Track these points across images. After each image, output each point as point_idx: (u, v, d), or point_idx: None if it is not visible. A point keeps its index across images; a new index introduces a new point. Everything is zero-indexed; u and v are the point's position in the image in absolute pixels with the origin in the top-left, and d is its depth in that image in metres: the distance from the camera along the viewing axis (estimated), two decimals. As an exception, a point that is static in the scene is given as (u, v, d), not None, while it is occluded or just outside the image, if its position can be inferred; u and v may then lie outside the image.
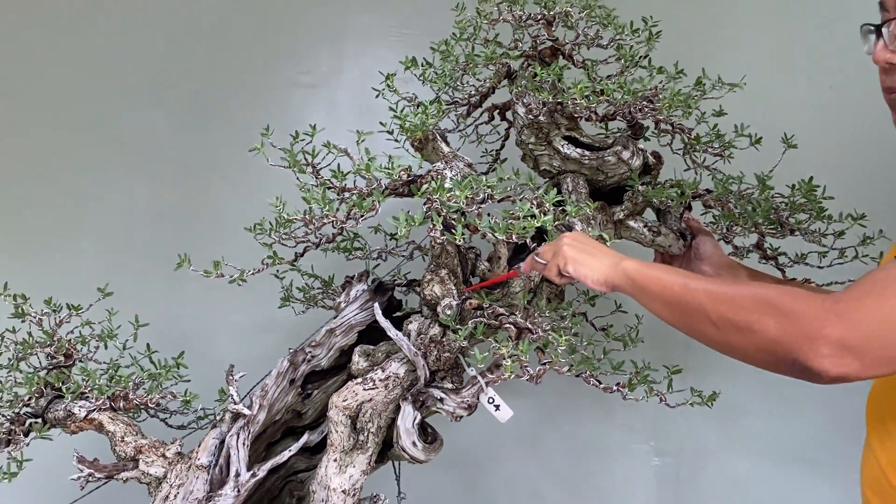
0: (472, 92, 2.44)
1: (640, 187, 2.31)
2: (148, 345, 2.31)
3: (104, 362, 2.31)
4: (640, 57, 2.31)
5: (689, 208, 2.43)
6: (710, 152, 2.39)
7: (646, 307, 1.83)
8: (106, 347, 2.33)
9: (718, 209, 2.43)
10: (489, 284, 2.15)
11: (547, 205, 2.00)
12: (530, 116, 2.27)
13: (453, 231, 1.99)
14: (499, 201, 2.04)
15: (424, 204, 2.06)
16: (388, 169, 2.11)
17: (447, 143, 2.28)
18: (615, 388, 2.17)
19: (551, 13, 2.30)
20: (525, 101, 2.27)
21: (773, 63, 2.92)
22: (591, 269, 1.89)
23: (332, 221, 2.10)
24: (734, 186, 2.39)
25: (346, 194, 2.15)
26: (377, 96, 2.34)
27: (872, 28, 1.79)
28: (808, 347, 1.51)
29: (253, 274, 2.21)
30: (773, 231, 2.39)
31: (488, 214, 2.02)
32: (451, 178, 2.10)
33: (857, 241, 2.29)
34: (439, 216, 2.00)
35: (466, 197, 1.98)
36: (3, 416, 2.27)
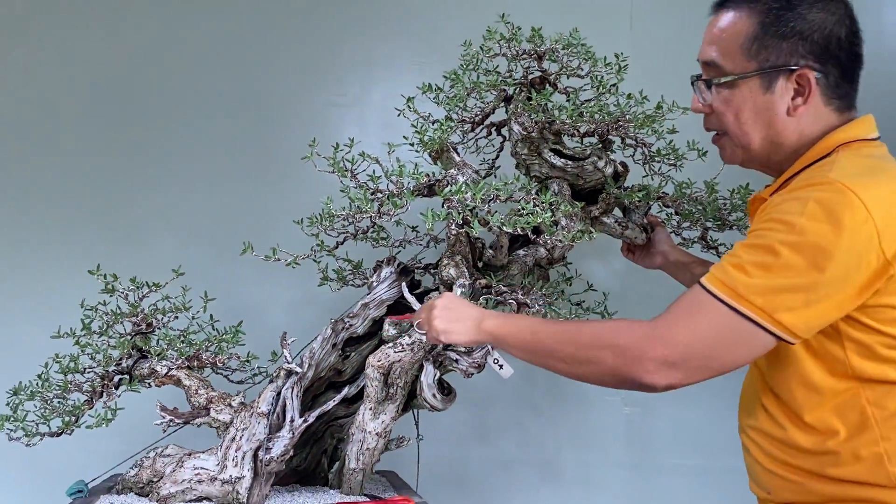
0: (477, 112, 2.74)
1: (613, 191, 2.64)
2: (211, 315, 2.66)
3: (178, 330, 2.65)
4: (612, 85, 2.62)
5: (650, 207, 2.78)
6: (666, 163, 2.73)
7: (508, 353, 2.04)
8: (177, 318, 2.67)
9: (673, 209, 2.77)
10: (404, 318, 2.47)
11: (544, 204, 2.42)
12: (524, 132, 2.58)
13: (470, 225, 2.39)
14: (503, 201, 2.45)
15: (443, 203, 2.46)
16: (416, 175, 2.53)
17: (458, 154, 2.62)
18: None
19: (542, 49, 2.65)
20: (520, 120, 2.59)
21: None
22: (460, 335, 2.09)
23: (371, 216, 2.52)
24: (686, 191, 2.73)
25: (379, 195, 2.57)
26: (398, 115, 2.67)
27: (692, 81, 2.00)
28: (639, 369, 1.72)
29: (304, 258, 2.63)
30: (717, 226, 2.74)
31: (496, 212, 2.42)
32: (463, 183, 2.44)
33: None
34: (458, 213, 2.41)
35: (480, 198, 2.39)
36: (96, 373, 2.63)
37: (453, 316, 2.12)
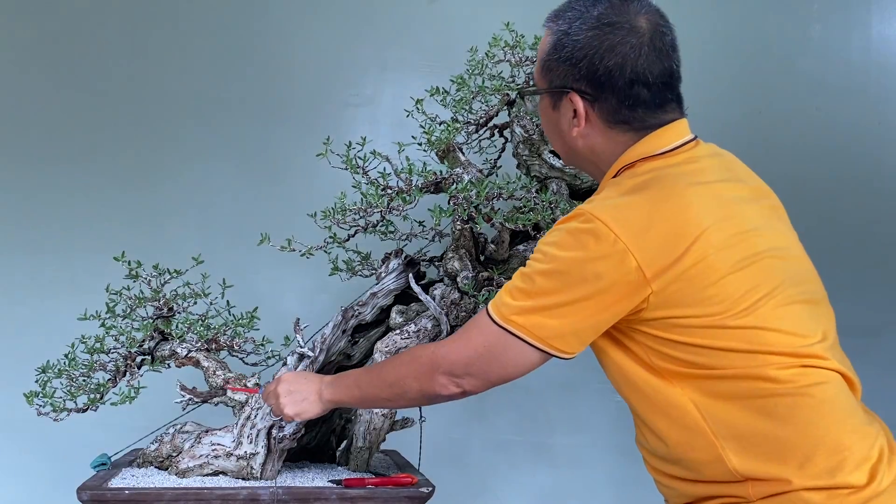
0: (482, 115, 2.77)
1: None
2: (228, 301, 2.72)
3: (197, 314, 2.71)
4: None
5: None
6: None
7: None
8: (195, 303, 2.73)
9: None
10: (246, 391, 2.56)
11: (544, 202, 2.48)
12: (525, 135, 2.64)
13: (475, 221, 2.46)
14: (506, 199, 2.50)
15: (450, 200, 2.50)
16: (425, 173, 2.59)
17: (463, 153, 2.68)
18: (590, 340, 2.66)
19: None
20: (522, 123, 2.64)
21: (706, 93, 3.17)
22: (311, 412, 2.25)
23: (381, 211, 2.59)
24: None
25: (389, 191, 2.62)
26: (407, 116, 2.72)
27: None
28: (434, 385, 1.92)
29: (318, 250, 2.69)
30: None
31: (500, 209, 2.48)
32: (469, 181, 2.51)
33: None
34: (464, 210, 2.48)
35: (484, 196, 2.44)
36: (119, 353, 2.68)
37: (298, 397, 2.25)
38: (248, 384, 2.61)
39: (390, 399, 2.09)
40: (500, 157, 2.93)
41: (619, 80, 1.82)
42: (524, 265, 1.87)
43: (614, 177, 1.87)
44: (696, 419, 1.75)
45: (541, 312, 1.76)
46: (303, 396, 2.24)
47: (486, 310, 1.85)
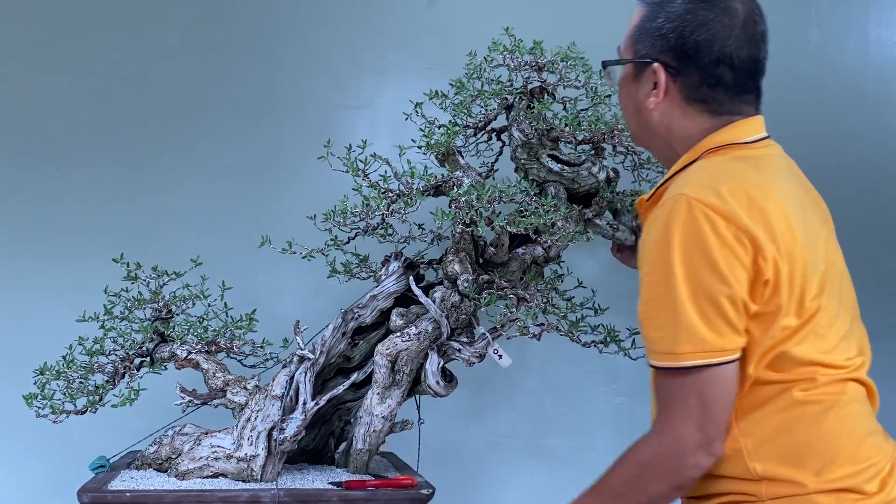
0: (480, 118, 2.78)
1: (607, 195, 2.68)
2: (226, 303, 2.72)
3: (196, 316, 2.70)
4: (606, 96, 2.67)
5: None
6: (654, 170, 2.79)
7: None
8: (193, 305, 2.72)
9: None
10: None
11: (545, 206, 2.49)
12: (524, 139, 2.62)
13: (476, 224, 2.46)
14: (506, 203, 2.49)
15: (450, 204, 2.51)
16: (426, 176, 2.59)
17: (462, 157, 2.68)
18: (591, 344, 2.68)
19: (542, 61, 2.67)
20: (521, 127, 2.63)
21: None
22: None
23: (382, 214, 2.59)
24: None
25: (390, 194, 2.62)
26: (406, 119, 2.74)
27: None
28: (691, 467, 1.70)
29: (319, 252, 2.68)
30: None
31: (500, 213, 2.47)
32: (470, 185, 2.50)
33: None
34: (466, 214, 2.46)
35: (486, 199, 2.43)
36: (117, 355, 2.67)
37: None
38: (248, 386, 2.60)
39: None
40: (497, 160, 2.93)
41: (705, 56, 1.83)
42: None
43: (696, 160, 1.86)
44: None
45: (708, 320, 1.68)
46: None
47: (657, 366, 1.75)
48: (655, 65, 1.87)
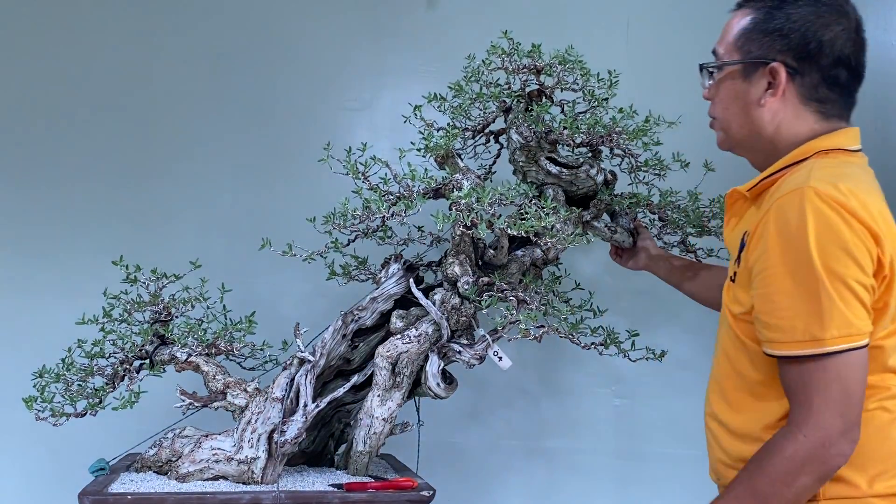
0: (479, 121, 2.80)
1: (605, 197, 2.71)
2: (224, 305, 2.71)
3: (196, 319, 2.68)
4: (603, 99, 2.70)
5: (636, 213, 2.87)
6: (651, 172, 2.81)
7: None
8: (192, 308, 2.71)
9: (658, 215, 2.87)
10: None
11: (545, 209, 2.49)
12: (522, 141, 2.64)
13: (477, 227, 2.45)
14: (506, 205, 2.48)
15: (451, 206, 2.50)
16: (426, 179, 2.59)
17: (461, 159, 2.68)
18: (591, 346, 2.68)
19: (540, 64, 2.68)
20: (519, 129, 2.64)
21: (702, 104, 3.21)
22: None
23: (383, 217, 2.58)
24: (671, 199, 2.83)
25: (390, 196, 2.62)
26: (405, 121, 2.75)
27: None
28: (836, 457, 1.72)
29: (319, 254, 2.68)
30: (696, 232, 2.84)
31: (501, 215, 2.47)
32: (470, 187, 2.48)
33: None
34: (466, 216, 2.45)
35: (487, 202, 2.42)
36: (116, 358, 2.65)
37: None
38: (248, 388, 2.59)
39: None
40: (495, 162, 2.94)
41: (827, 56, 1.90)
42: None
43: (807, 159, 1.90)
44: None
45: (836, 306, 1.74)
46: None
47: (789, 356, 1.77)
48: (775, 64, 1.93)
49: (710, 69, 2.04)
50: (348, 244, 2.70)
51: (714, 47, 2.06)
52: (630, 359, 2.72)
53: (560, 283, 2.90)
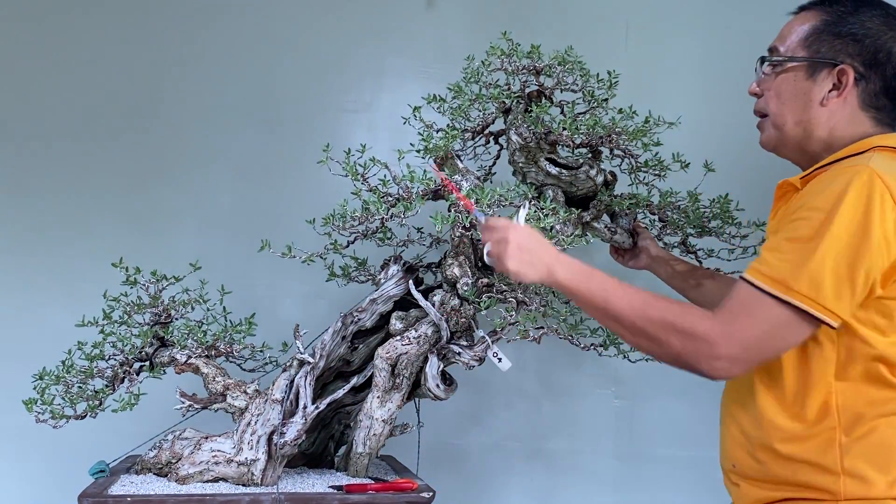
0: (479, 122, 2.78)
1: (605, 198, 2.70)
2: (224, 307, 2.70)
3: (195, 320, 2.68)
4: (603, 100, 2.70)
5: (636, 214, 2.85)
6: (651, 173, 2.80)
7: (572, 301, 2.06)
8: (192, 310, 2.70)
9: (658, 216, 2.85)
10: (466, 204, 2.39)
11: (546, 210, 2.48)
12: (522, 142, 2.63)
13: (476, 227, 2.44)
14: (505, 207, 2.49)
15: (450, 208, 2.50)
16: (425, 180, 2.58)
17: (461, 161, 2.68)
18: (591, 347, 2.68)
19: (540, 65, 2.68)
20: (519, 130, 2.63)
21: (707, 103, 3.25)
22: (526, 276, 2.03)
23: (382, 218, 2.58)
24: (672, 199, 2.81)
25: (389, 198, 2.62)
26: (404, 123, 2.74)
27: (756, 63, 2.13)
28: (706, 364, 1.79)
29: (319, 256, 2.67)
30: (696, 233, 2.83)
31: (498, 215, 2.46)
32: (469, 189, 2.49)
33: (758, 242, 2.63)
34: (466, 217, 2.46)
35: (486, 203, 2.43)
36: (116, 360, 2.65)
37: (527, 259, 2.04)
38: (248, 390, 2.59)
39: (631, 332, 1.90)
40: (494, 163, 2.94)
41: (894, 66, 1.96)
42: None
43: (864, 152, 1.90)
44: (830, 406, 1.85)
45: (829, 278, 1.76)
46: (532, 260, 2.04)
47: (753, 283, 1.80)
48: (844, 66, 1.96)
49: (774, 62, 2.05)
50: (348, 245, 2.69)
51: (772, 45, 2.08)
52: (630, 360, 2.71)
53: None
